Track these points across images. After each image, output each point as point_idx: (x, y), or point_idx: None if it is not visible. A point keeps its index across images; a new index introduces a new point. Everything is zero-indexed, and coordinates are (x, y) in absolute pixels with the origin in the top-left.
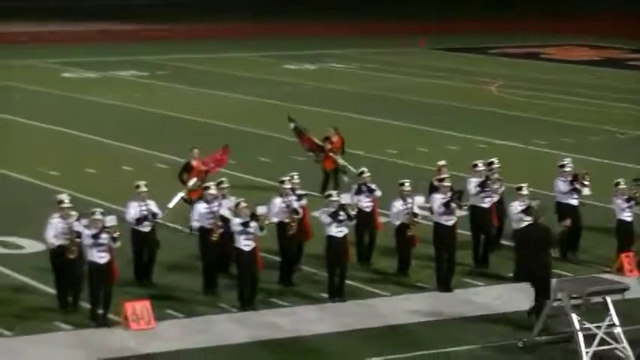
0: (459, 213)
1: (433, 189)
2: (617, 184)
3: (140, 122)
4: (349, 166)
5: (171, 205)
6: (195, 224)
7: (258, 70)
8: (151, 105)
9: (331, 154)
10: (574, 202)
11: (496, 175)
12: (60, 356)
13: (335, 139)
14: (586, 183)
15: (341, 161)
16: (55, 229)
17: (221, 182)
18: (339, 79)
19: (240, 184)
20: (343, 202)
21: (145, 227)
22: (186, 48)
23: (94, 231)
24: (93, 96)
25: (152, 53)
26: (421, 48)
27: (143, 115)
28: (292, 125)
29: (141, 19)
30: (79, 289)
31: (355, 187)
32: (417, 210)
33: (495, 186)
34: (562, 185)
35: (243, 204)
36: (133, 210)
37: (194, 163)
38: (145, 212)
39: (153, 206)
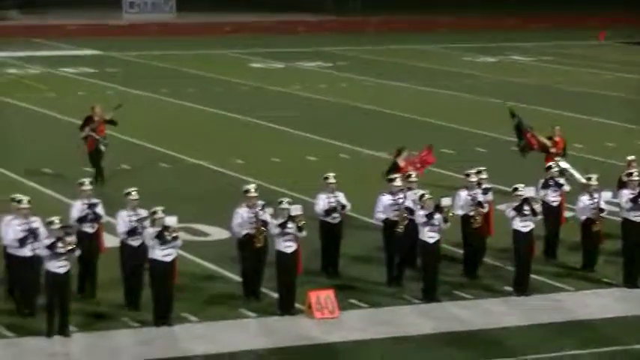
0: None
1: (622, 184)
2: None
3: (324, 113)
4: (573, 171)
5: None
6: (381, 216)
7: (438, 61)
8: (334, 96)
9: (557, 158)
10: None
11: None
12: (245, 343)
13: (558, 138)
14: None
15: (564, 164)
16: (241, 218)
17: (409, 175)
18: (520, 71)
19: (426, 178)
20: (527, 195)
21: (334, 219)
22: (367, 40)
23: (280, 220)
24: (279, 86)
25: (335, 44)
26: (600, 41)
27: (327, 106)
28: (515, 120)
29: (327, 11)
30: (261, 278)
31: (542, 181)
32: (603, 205)
33: None
34: None
35: (428, 196)
36: (322, 202)
37: (401, 163)
38: (334, 204)
39: (341, 198)
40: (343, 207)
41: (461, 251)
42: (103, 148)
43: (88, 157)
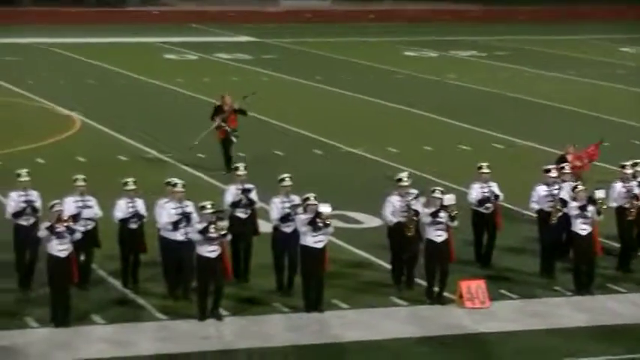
0: None
1: None
2: None
3: (477, 102)
4: None
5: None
6: (535, 206)
7: (596, 52)
8: (489, 85)
9: None
10: None
11: None
12: (395, 331)
13: None
14: None
15: None
16: (393, 207)
17: (562, 167)
18: None
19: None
20: None
21: (487, 209)
22: (523, 29)
23: (432, 209)
24: (432, 75)
25: (490, 34)
26: None
27: (481, 95)
28: None
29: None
30: (413, 266)
31: None
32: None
33: None
34: None
35: (581, 187)
36: (475, 192)
37: (569, 157)
38: (487, 194)
39: (495, 188)
40: (497, 197)
41: (616, 244)
42: (234, 139)
43: (220, 145)
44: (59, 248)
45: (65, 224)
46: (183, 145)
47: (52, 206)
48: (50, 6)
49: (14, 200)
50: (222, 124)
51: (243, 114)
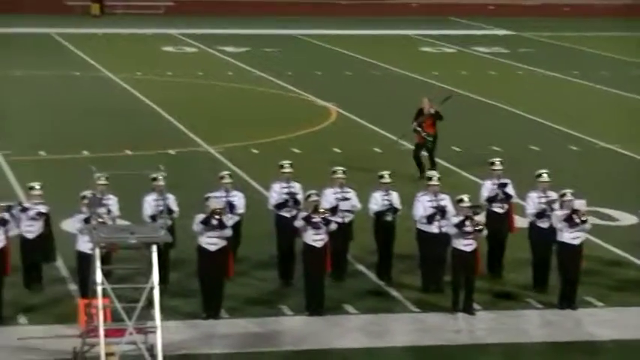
0: None
1: None
2: None
3: None
4: None
5: None
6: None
7: None
8: None
9: None
10: None
11: None
12: None
13: None
14: None
15: None
16: None
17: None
18: None
19: None
20: None
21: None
22: None
23: (565, 212)
24: None
25: None
26: None
27: None
28: None
29: None
30: None
31: None
32: None
33: None
34: None
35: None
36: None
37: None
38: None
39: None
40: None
41: None
42: (428, 144)
43: (414, 147)
44: (315, 238)
45: (322, 215)
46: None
47: (309, 196)
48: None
49: (277, 192)
50: (418, 128)
51: (440, 118)
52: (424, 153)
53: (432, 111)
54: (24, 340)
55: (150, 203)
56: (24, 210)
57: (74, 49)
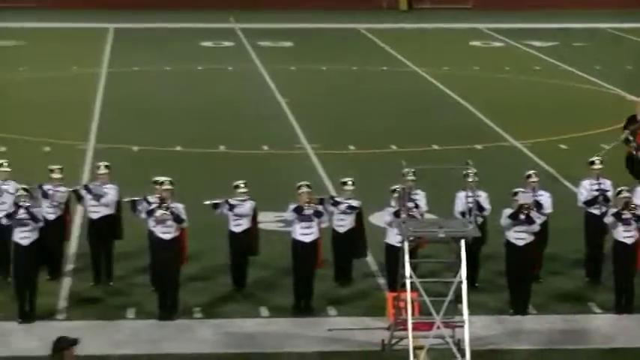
0: None
1: None
2: None
3: None
4: None
5: None
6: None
7: None
8: None
9: None
10: None
11: None
12: None
13: None
14: None
15: None
16: None
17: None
18: None
19: None
20: None
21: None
22: None
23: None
24: None
25: None
26: None
27: None
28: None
29: None
30: None
31: None
32: None
33: None
34: None
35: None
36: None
37: None
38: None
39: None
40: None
41: None
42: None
43: (625, 161)
44: (625, 235)
45: (632, 212)
46: None
47: (620, 192)
48: None
49: (586, 189)
50: (630, 137)
51: None
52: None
53: None
54: (333, 331)
55: (461, 199)
56: (335, 204)
57: (382, 44)
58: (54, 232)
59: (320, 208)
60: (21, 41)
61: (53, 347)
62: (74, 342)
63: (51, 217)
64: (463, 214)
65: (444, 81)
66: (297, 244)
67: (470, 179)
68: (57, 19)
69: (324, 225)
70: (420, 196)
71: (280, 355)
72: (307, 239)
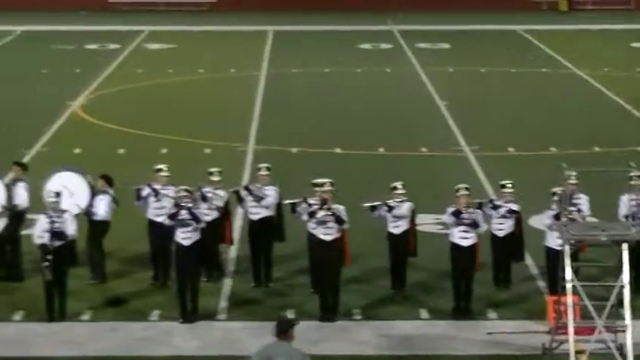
0: None
1: None
2: None
3: None
4: None
5: None
6: None
7: None
8: None
9: None
10: None
11: None
12: None
13: None
14: None
15: None
16: None
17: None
18: None
19: None
20: None
21: None
22: None
23: None
24: None
25: None
26: None
27: None
28: None
29: None
30: None
31: None
32: None
33: None
34: None
35: None
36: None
37: None
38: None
39: None
40: None
41: None
42: None
43: None
44: None
45: None
46: None
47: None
48: None
49: (625, 203)
50: None
51: None
52: None
53: None
54: (493, 335)
55: (625, 202)
56: (495, 207)
57: (541, 45)
58: (210, 234)
59: (478, 217)
60: (183, 44)
61: (278, 329)
62: (294, 322)
63: (207, 218)
64: (627, 217)
65: (605, 83)
66: (455, 248)
67: (633, 182)
68: (217, 23)
69: (482, 230)
70: (583, 200)
71: (439, 358)
72: (465, 243)
